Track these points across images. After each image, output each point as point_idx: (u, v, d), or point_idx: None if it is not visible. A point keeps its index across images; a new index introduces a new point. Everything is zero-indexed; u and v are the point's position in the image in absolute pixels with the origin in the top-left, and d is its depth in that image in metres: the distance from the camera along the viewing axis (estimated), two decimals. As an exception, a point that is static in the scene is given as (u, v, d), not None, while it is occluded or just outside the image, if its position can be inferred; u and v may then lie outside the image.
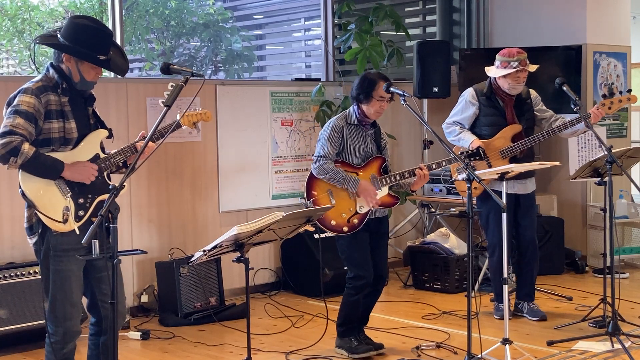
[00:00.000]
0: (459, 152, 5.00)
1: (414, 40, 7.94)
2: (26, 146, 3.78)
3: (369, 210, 5.08)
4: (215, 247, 3.59)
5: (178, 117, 4.17)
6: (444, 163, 5.07)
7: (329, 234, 5.29)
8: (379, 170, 5.14)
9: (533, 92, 6.01)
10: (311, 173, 5.13)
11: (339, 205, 5.05)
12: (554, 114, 5.96)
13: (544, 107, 6.01)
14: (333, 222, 5.04)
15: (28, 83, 3.92)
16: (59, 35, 3.94)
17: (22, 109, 3.81)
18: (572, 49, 7.72)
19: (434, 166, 5.07)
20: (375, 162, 5.14)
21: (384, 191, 5.11)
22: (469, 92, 5.99)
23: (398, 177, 5.08)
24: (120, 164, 4.09)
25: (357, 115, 5.12)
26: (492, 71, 5.82)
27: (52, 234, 3.87)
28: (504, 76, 5.76)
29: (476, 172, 4.63)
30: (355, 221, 5.06)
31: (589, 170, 5.41)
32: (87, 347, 4.12)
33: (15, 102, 3.85)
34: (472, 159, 4.86)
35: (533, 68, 5.73)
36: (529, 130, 5.93)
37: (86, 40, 3.88)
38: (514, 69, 5.68)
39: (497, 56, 5.79)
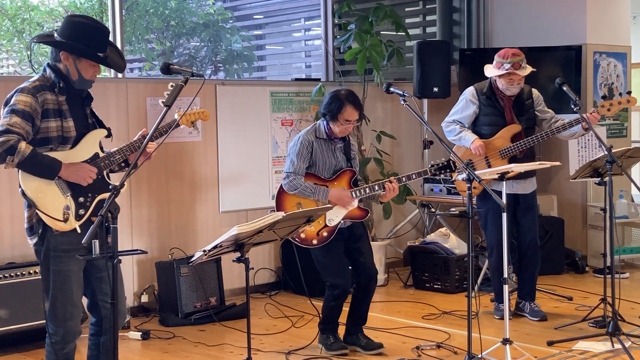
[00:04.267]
0: (430, 165, 5.04)
1: (414, 40, 7.94)
2: (23, 145, 3.77)
3: (339, 223, 5.11)
4: (215, 247, 3.59)
5: (176, 116, 4.18)
6: (414, 176, 5.11)
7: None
8: (349, 183, 5.19)
9: (535, 92, 6.00)
10: (281, 188, 5.18)
11: None
12: (555, 115, 5.95)
13: (545, 108, 5.99)
14: (302, 235, 5.09)
15: (25, 83, 3.93)
16: (56, 35, 3.94)
17: (19, 108, 3.81)
18: (572, 49, 7.72)
19: (403, 179, 5.12)
20: (345, 175, 5.20)
21: (353, 204, 5.14)
22: (470, 91, 5.99)
23: (368, 190, 5.13)
24: (122, 163, 4.10)
25: (326, 130, 5.17)
26: (488, 70, 5.85)
27: (52, 234, 3.87)
28: (499, 77, 5.77)
29: (476, 172, 4.64)
30: (325, 234, 5.10)
31: (589, 170, 5.41)
32: (87, 347, 4.12)
33: (12, 102, 3.85)
34: (442, 172, 4.95)
35: (525, 72, 5.71)
36: (529, 130, 5.92)
37: (84, 38, 3.89)
38: (505, 71, 5.69)
39: (495, 56, 5.80)
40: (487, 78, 5.92)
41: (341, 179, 5.19)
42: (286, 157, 5.26)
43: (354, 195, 5.12)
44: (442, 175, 5.09)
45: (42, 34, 4.14)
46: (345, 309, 5.35)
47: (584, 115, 5.56)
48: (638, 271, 7.65)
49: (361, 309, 5.32)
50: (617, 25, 8.09)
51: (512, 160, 5.82)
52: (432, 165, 5.00)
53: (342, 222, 5.13)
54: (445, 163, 4.93)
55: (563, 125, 5.75)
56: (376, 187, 5.11)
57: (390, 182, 5.07)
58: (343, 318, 5.37)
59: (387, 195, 5.11)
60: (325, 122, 5.17)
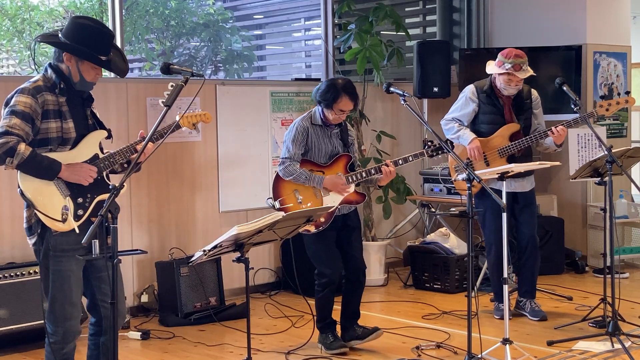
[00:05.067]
0: (426, 145, 5.06)
1: (414, 40, 7.94)
2: (22, 146, 3.77)
3: (336, 209, 5.12)
4: (215, 247, 3.60)
5: (177, 118, 4.18)
6: (410, 158, 5.14)
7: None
8: (345, 168, 5.21)
9: (534, 93, 6.00)
10: (277, 174, 5.20)
11: (305, 205, 5.10)
12: (540, 127, 5.94)
13: (540, 114, 5.99)
14: None
15: (25, 83, 3.93)
16: (60, 35, 3.94)
17: (19, 109, 3.81)
18: (572, 49, 7.72)
19: (400, 162, 5.14)
20: (341, 160, 5.22)
21: (350, 188, 5.15)
22: (470, 89, 5.99)
23: (364, 174, 5.15)
24: (124, 164, 4.09)
25: (322, 117, 5.20)
26: (490, 67, 5.86)
27: (51, 234, 3.87)
28: (498, 75, 5.78)
29: (476, 172, 4.64)
30: (322, 220, 5.11)
31: (589, 170, 5.41)
32: (87, 347, 4.12)
33: (12, 103, 3.85)
34: (439, 152, 4.98)
35: (524, 75, 5.71)
36: (527, 129, 5.93)
37: (87, 40, 3.89)
38: (505, 71, 5.70)
39: (499, 53, 5.81)
40: (488, 76, 5.93)
41: (337, 164, 5.20)
42: (282, 144, 5.28)
43: (350, 180, 5.14)
44: (439, 156, 5.10)
45: (46, 34, 4.14)
46: (338, 307, 5.35)
47: (553, 128, 5.64)
48: (638, 271, 7.65)
49: (353, 304, 5.34)
50: (617, 25, 8.09)
51: (511, 159, 5.83)
52: (429, 146, 5.02)
53: (338, 208, 5.14)
54: (438, 145, 4.95)
55: (539, 134, 5.78)
56: (372, 171, 5.13)
57: (387, 165, 5.09)
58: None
59: (384, 179, 5.13)
60: (320, 109, 5.20)
